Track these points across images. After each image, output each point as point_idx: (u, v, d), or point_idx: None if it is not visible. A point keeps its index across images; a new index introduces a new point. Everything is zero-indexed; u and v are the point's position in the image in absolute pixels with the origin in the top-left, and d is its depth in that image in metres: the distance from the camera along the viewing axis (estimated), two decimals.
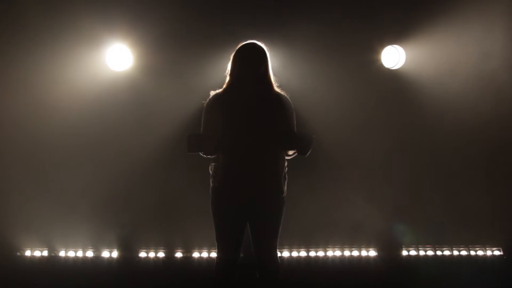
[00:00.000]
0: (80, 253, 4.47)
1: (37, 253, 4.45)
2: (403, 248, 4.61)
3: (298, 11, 4.36)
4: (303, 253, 4.56)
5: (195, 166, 3.76)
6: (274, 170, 3.00)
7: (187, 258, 4.48)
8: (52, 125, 4.32)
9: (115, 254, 4.48)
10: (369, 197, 4.51)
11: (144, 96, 4.40)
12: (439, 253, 4.62)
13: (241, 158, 2.95)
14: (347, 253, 4.57)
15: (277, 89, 3.07)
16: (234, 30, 4.12)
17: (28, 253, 4.45)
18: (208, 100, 3.08)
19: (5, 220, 4.37)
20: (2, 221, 4.37)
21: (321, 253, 4.55)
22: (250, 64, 3.01)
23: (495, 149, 4.57)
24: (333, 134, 4.38)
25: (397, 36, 4.42)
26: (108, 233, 4.46)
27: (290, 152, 3.08)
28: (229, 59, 3.08)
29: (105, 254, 4.48)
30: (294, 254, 4.54)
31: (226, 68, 3.09)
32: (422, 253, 4.62)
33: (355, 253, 4.57)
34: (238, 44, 3.08)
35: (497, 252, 4.62)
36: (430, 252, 4.62)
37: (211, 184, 3.07)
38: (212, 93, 3.09)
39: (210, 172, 3.09)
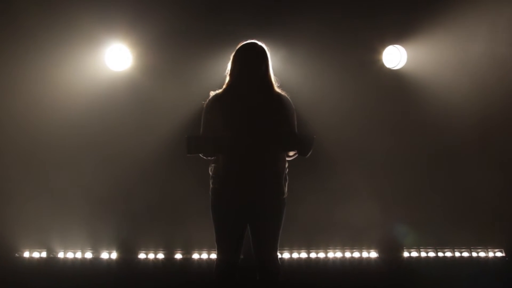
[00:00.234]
0: (79, 254, 4.45)
1: (36, 254, 4.44)
2: (404, 250, 4.61)
3: (298, 11, 4.36)
4: (303, 255, 4.55)
5: (195, 167, 3.75)
6: (275, 171, 2.99)
7: (187, 260, 4.47)
8: (51, 125, 4.31)
9: (114, 255, 4.47)
10: (370, 198, 4.50)
11: (143, 96, 4.39)
12: (440, 254, 4.61)
13: (241, 159, 2.93)
14: (348, 254, 4.56)
15: (277, 90, 3.05)
16: (234, 29, 4.11)
17: (26, 254, 4.44)
18: (207, 100, 3.06)
19: (4, 221, 4.36)
20: (0, 222, 4.35)
21: (321, 255, 4.55)
22: (251, 64, 2.99)
23: (497, 149, 4.57)
24: (333, 135, 4.36)
25: (398, 36, 4.42)
26: (107, 234, 4.45)
27: (291, 153, 3.06)
28: (229, 59, 3.06)
29: (104, 255, 4.47)
30: (295, 255, 4.53)
31: (226, 68, 3.07)
32: (423, 254, 4.61)
33: (356, 254, 4.56)
34: (238, 44, 3.06)
35: (499, 254, 4.62)
36: (431, 254, 4.61)
37: (211, 185, 3.06)
38: (212, 93, 3.07)
39: (210, 174, 3.07)
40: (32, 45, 4.24)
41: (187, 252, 4.49)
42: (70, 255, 4.44)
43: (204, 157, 3.03)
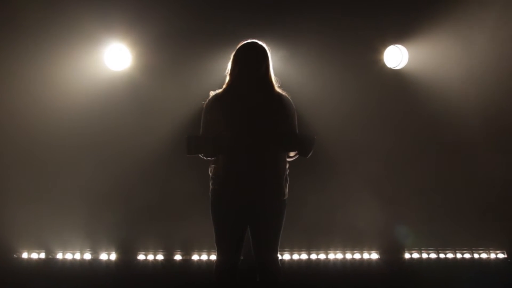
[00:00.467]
0: (77, 256, 4.44)
1: (34, 255, 4.43)
2: (406, 251, 4.60)
3: (299, 10, 4.35)
4: (304, 256, 4.54)
5: (194, 168, 3.73)
6: (275, 171, 2.97)
7: (187, 261, 4.46)
8: (49, 125, 4.30)
9: (113, 256, 4.46)
10: (371, 198, 4.48)
11: (143, 96, 4.38)
12: (442, 256, 4.61)
13: (241, 159, 2.92)
14: (348, 255, 4.55)
15: (278, 90, 3.03)
16: (234, 29, 4.11)
17: (25, 255, 4.42)
18: (207, 100, 3.04)
19: (2, 221, 4.34)
20: None
21: (322, 256, 4.54)
22: (251, 64, 2.97)
23: (499, 150, 4.55)
24: (334, 135, 4.35)
25: (399, 35, 4.41)
26: (106, 235, 4.43)
27: (292, 154, 3.05)
28: (229, 59, 3.04)
29: (103, 256, 4.46)
30: (295, 256, 4.53)
31: (226, 68, 3.05)
32: (425, 256, 4.61)
33: (357, 256, 4.55)
34: (238, 43, 3.04)
35: (501, 255, 4.62)
36: (433, 255, 4.61)
37: (210, 186, 3.04)
38: (212, 93, 3.05)
39: (210, 174, 3.05)
40: (31, 44, 4.23)
41: (187, 253, 4.48)
42: (69, 256, 4.43)
43: (204, 158, 3.01)
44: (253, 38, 3.05)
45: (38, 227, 4.38)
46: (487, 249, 4.61)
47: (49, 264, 4.39)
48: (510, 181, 4.54)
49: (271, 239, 3.04)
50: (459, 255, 4.60)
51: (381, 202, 4.49)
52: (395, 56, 4.40)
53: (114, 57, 4.25)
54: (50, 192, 4.38)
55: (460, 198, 4.56)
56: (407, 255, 4.58)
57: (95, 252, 4.45)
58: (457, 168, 4.58)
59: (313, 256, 4.52)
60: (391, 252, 4.55)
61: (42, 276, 4.27)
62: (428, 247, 4.60)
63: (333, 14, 4.37)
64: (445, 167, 4.58)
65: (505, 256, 4.60)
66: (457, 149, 4.55)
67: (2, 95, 4.30)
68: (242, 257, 3.11)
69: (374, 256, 4.56)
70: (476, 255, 4.60)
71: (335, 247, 4.55)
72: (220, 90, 3.03)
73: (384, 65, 4.44)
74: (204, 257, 4.47)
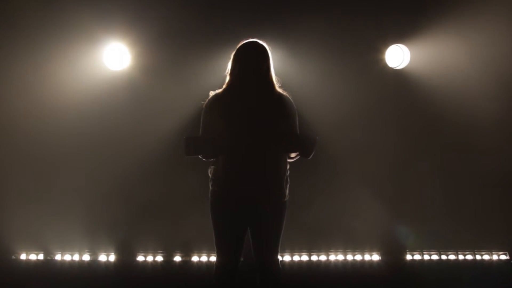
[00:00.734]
0: (76, 257, 4.43)
1: (33, 257, 4.42)
2: (407, 252, 4.59)
3: (299, 9, 4.34)
4: (305, 257, 4.53)
5: (194, 168, 3.73)
6: (276, 173, 2.94)
7: (186, 262, 4.45)
8: (48, 125, 4.29)
9: (112, 257, 4.45)
10: (373, 199, 4.47)
11: (142, 96, 4.37)
12: (444, 257, 4.59)
13: (241, 160, 2.89)
14: (349, 257, 4.54)
15: (279, 90, 3.00)
16: (234, 29, 4.09)
17: (23, 256, 4.41)
18: (207, 100, 3.02)
19: (0, 222, 4.33)
20: None
21: (323, 257, 4.53)
22: (251, 63, 2.95)
23: (502, 151, 4.53)
24: (335, 136, 4.34)
25: (401, 35, 4.40)
26: (105, 236, 4.42)
27: (293, 155, 3.03)
28: (229, 58, 3.02)
29: (102, 257, 4.45)
30: (296, 258, 4.51)
31: (226, 68, 3.03)
32: (426, 257, 4.60)
33: (358, 257, 4.54)
34: (238, 43, 3.02)
35: (503, 256, 4.61)
36: (434, 256, 4.59)
37: (210, 187, 3.02)
38: (212, 93, 3.03)
39: (209, 175, 3.03)
40: (29, 43, 4.22)
41: (186, 254, 4.47)
42: (67, 257, 4.42)
43: (204, 159, 2.99)
44: (253, 37, 3.03)
45: (36, 228, 4.36)
46: (489, 251, 4.59)
47: (48, 265, 4.37)
48: None
49: (271, 241, 3.02)
50: (461, 256, 4.58)
51: (382, 203, 4.47)
52: (397, 56, 4.39)
53: (114, 56, 4.24)
54: (49, 193, 4.36)
55: (462, 198, 4.55)
56: (408, 257, 4.57)
57: (94, 253, 4.43)
58: (459, 168, 4.56)
59: (314, 258, 4.51)
60: (393, 253, 4.54)
61: (41, 277, 4.25)
62: (429, 248, 4.59)
63: (334, 14, 4.36)
64: (447, 167, 4.57)
65: (508, 257, 4.58)
66: (460, 149, 4.54)
67: (1, 95, 4.29)
68: (242, 259, 3.08)
69: (375, 257, 4.54)
70: (478, 257, 4.58)
71: (336, 248, 4.54)
72: (220, 90, 3.00)
73: (385, 65, 4.43)
74: (204, 258, 4.46)
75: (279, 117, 2.94)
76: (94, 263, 4.40)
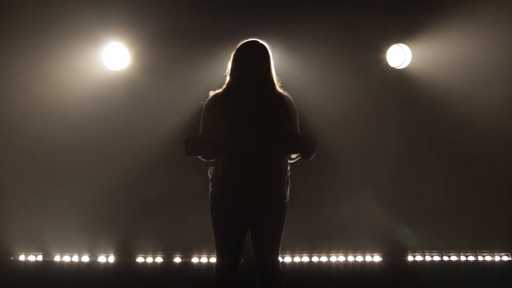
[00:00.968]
0: (75, 258, 4.42)
1: (32, 258, 4.41)
2: (409, 253, 4.58)
3: (300, 8, 4.33)
4: (305, 259, 4.52)
5: (194, 169, 3.72)
6: (276, 173, 2.92)
7: (186, 264, 4.44)
8: (47, 125, 4.29)
9: (111, 259, 4.44)
10: (374, 200, 4.46)
11: (141, 96, 4.38)
12: (445, 258, 4.58)
13: (241, 161, 2.87)
14: (351, 258, 4.53)
15: (279, 90, 2.99)
16: (234, 28, 4.10)
17: (22, 257, 4.41)
18: (207, 100, 3.00)
19: None
20: None
21: (324, 259, 4.52)
22: (252, 63, 2.93)
23: (502, 150, 4.52)
24: (337, 136, 4.33)
25: (402, 34, 4.40)
26: (104, 237, 4.41)
27: (293, 156, 3.00)
28: (229, 58, 3.00)
29: (102, 259, 4.44)
30: (297, 259, 4.51)
31: (226, 68, 3.01)
32: (428, 258, 4.58)
33: (359, 258, 4.53)
34: (239, 42, 3.00)
35: (505, 258, 4.59)
36: (436, 257, 4.58)
37: (210, 188, 3.00)
38: (212, 93, 3.01)
39: (209, 176, 3.01)
40: (28, 43, 4.23)
41: (186, 255, 4.46)
42: (66, 258, 4.41)
43: (203, 159, 2.96)
44: (254, 37, 3.01)
45: (35, 229, 4.36)
46: (492, 252, 4.58)
47: (47, 266, 4.37)
48: None
49: (271, 242, 3.00)
50: (463, 258, 4.57)
51: (383, 204, 4.46)
52: (398, 56, 4.39)
53: (113, 56, 4.25)
54: (47, 193, 4.34)
55: (464, 199, 4.53)
56: (410, 258, 4.56)
57: (93, 254, 4.42)
58: (461, 169, 4.55)
59: (315, 259, 4.50)
60: (394, 254, 4.53)
61: (40, 279, 4.26)
62: (431, 249, 4.58)
63: (335, 13, 4.35)
64: (449, 168, 4.55)
65: (510, 258, 4.57)
66: (462, 149, 4.52)
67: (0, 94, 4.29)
68: (242, 260, 3.06)
69: (377, 258, 4.53)
70: (480, 258, 4.57)
71: (337, 249, 4.53)
72: (220, 90, 2.98)
73: (387, 65, 4.43)
74: (204, 259, 4.45)
75: (279, 117, 2.92)
76: (93, 264, 4.39)
